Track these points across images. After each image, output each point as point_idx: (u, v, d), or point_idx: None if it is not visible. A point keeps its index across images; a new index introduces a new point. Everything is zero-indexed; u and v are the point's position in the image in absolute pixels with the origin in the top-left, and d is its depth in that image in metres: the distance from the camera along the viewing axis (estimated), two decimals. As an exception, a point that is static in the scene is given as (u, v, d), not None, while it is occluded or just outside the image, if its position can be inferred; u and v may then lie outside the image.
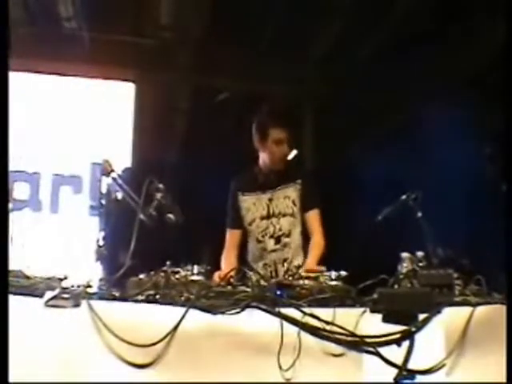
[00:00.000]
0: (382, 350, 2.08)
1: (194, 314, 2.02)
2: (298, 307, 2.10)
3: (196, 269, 2.34)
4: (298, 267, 3.28)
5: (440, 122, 6.73)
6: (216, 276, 2.82)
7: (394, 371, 2.07)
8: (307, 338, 2.06)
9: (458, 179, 5.64)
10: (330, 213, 3.52)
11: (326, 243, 3.43)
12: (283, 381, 2.01)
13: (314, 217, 3.50)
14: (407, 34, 5.59)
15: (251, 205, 3.54)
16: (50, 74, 6.15)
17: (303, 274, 2.46)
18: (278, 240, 3.48)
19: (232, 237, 3.58)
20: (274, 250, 3.48)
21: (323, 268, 2.54)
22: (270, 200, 3.52)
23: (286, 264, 3.43)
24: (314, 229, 3.47)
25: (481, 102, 5.88)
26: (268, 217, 3.50)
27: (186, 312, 1.99)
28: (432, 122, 6.70)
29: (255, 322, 2.06)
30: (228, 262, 3.42)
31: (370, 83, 6.35)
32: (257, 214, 3.52)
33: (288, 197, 3.51)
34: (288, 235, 3.48)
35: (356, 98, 6.69)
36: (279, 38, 5.90)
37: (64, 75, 6.16)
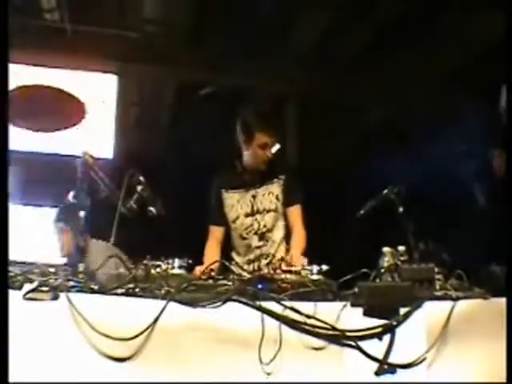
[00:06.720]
0: (363, 344, 2.09)
1: (175, 308, 2.00)
2: (278, 301, 2.09)
3: (177, 262, 2.32)
4: (281, 260, 3.29)
5: (423, 119, 6.78)
6: (197, 271, 2.81)
7: (375, 365, 2.08)
8: (288, 331, 2.06)
9: (440, 174, 5.68)
10: (312, 207, 3.53)
11: (306, 236, 3.47)
12: (264, 374, 2.00)
13: (295, 211, 3.54)
14: (393, 32, 5.59)
15: (235, 202, 3.55)
16: (33, 65, 6.08)
17: (285, 267, 2.46)
18: (261, 236, 3.52)
19: (214, 233, 3.59)
20: (258, 247, 3.51)
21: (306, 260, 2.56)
22: (254, 197, 3.54)
23: (268, 258, 3.44)
24: (296, 222, 3.51)
25: (462, 100, 5.94)
26: (252, 214, 3.52)
27: (166, 305, 1.98)
28: (415, 119, 6.75)
29: (236, 315, 2.05)
30: (211, 257, 3.40)
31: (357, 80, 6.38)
32: (241, 212, 3.54)
33: (272, 192, 3.53)
34: (271, 230, 3.51)
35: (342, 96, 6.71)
36: (266, 32, 5.87)
37: (46, 66, 6.09)
